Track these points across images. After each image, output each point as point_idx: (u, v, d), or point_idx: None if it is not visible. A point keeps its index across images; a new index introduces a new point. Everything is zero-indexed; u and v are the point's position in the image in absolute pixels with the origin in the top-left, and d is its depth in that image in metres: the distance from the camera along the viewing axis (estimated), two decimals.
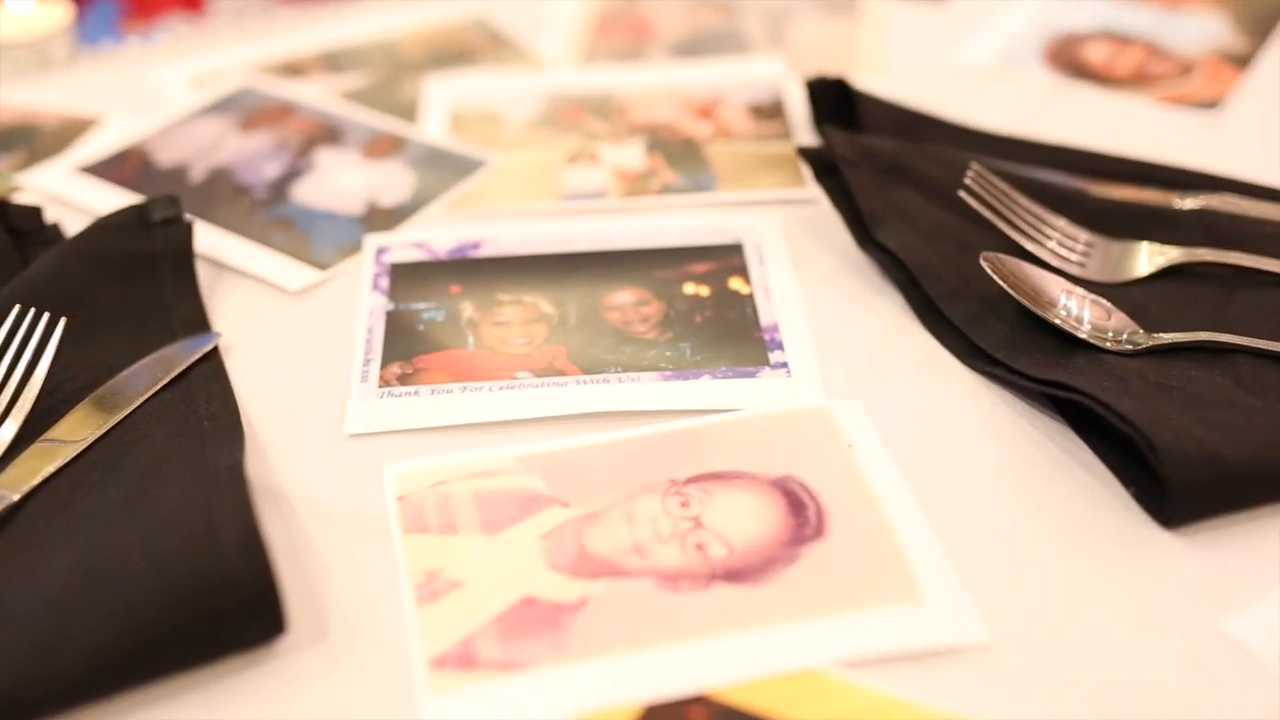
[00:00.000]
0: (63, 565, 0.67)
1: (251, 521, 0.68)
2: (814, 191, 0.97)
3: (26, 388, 0.79)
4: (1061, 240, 0.87)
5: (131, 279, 0.88)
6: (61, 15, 1.17)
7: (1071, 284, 0.82)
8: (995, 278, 0.82)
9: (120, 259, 0.88)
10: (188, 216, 0.92)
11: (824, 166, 0.94)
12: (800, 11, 1.19)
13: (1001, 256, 0.83)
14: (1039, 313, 0.81)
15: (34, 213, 0.94)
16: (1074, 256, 0.87)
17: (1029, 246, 0.87)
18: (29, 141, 1.06)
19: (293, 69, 1.14)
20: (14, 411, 0.78)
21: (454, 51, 1.16)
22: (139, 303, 0.87)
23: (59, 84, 1.14)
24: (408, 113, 1.08)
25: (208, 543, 0.66)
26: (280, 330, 0.87)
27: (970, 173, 0.89)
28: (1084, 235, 0.88)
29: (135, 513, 0.70)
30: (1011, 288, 0.82)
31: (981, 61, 1.12)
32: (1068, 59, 1.12)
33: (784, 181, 0.98)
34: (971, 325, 0.83)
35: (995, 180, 0.89)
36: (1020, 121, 1.04)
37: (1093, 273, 0.86)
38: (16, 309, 0.82)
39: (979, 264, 0.83)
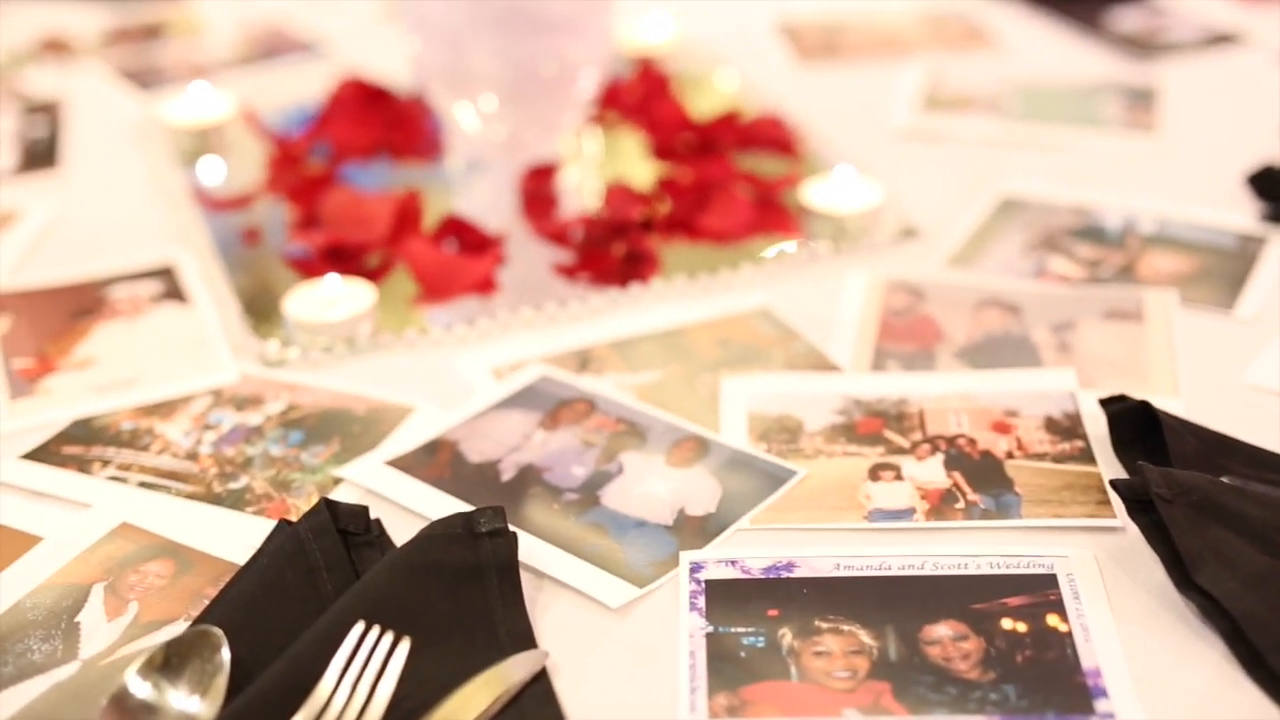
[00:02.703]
0: None
1: None
2: (1122, 519, 0.97)
3: (370, 705, 0.81)
4: None
5: (460, 591, 0.90)
6: (366, 297, 1.22)
7: None
8: None
9: (449, 571, 0.91)
10: (511, 527, 0.94)
11: (1137, 501, 0.94)
12: (1086, 317, 1.20)
13: None
14: None
15: (362, 513, 0.97)
16: None
17: None
18: (342, 430, 1.09)
19: (586, 361, 1.17)
20: None
21: (743, 344, 1.18)
22: (468, 616, 0.89)
23: (365, 368, 1.18)
24: (704, 409, 1.11)
25: None
26: (602, 649, 0.89)
27: None
28: None
29: None
30: None
31: (1271, 382, 1.12)
32: None
33: (1091, 508, 0.99)
34: None
35: None
36: None
37: None
38: (361, 625, 0.84)
39: None
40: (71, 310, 1.26)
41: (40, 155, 1.57)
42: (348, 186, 1.42)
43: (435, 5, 1.35)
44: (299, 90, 1.66)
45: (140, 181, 1.49)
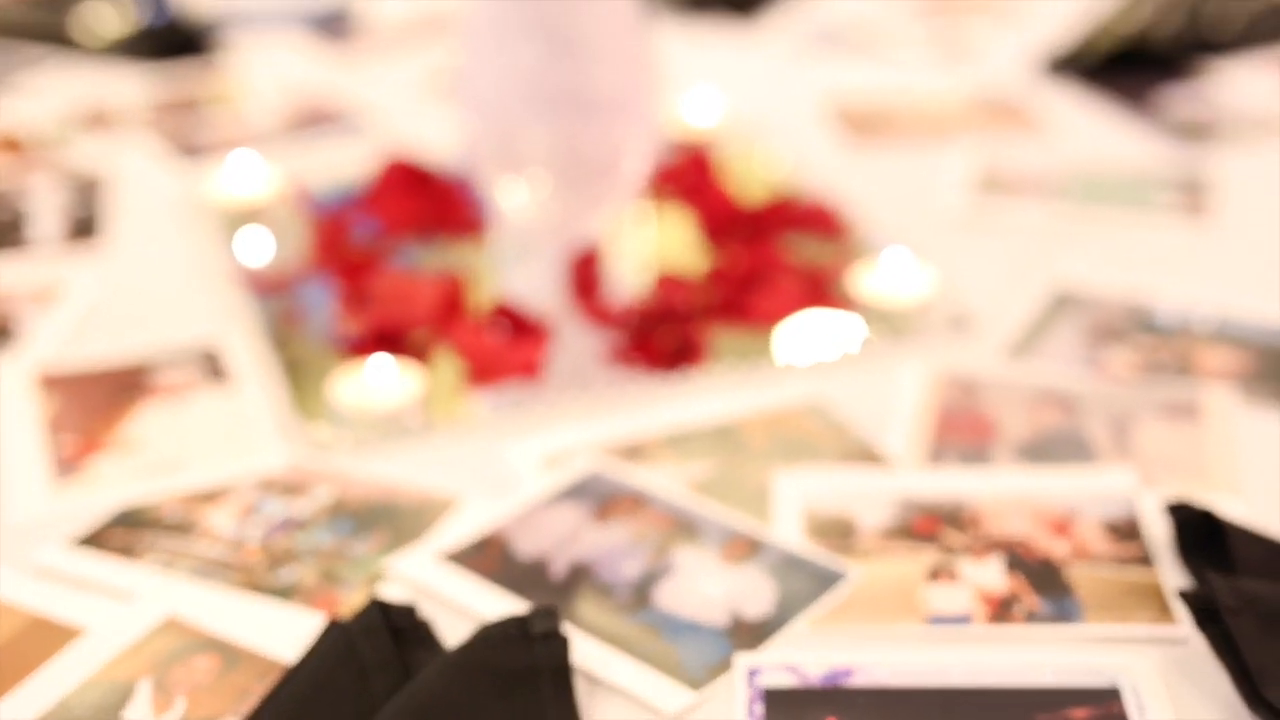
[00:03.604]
0: None
1: None
2: (1185, 629, 0.95)
3: None
4: None
5: (513, 695, 0.89)
6: (414, 382, 1.21)
7: None
8: None
9: (503, 674, 0.89)
10: (564, 627, 0.93)
11: (1205, 612, 0.92)
12: (1142, 415, 1.18)
13: None
14: None
15: (409, 612, 0.96)
16: None
17: None
18: (391, 521, 1.08)
19: (636, 452, 1.15)
20: None
21: (795, 437, 1.17)
22: None
23: (413, 454, 1.17)
24: (756, 504, 1.09)
25: None
26: None
27: None
28: None
29: None
30: None
31: None
32: None
33: (1153, 615, 0.97)
34: None
35: None
36: None
37: None
38: None
39: None
40: (116, 390, 1.26)
41: (84, 229, 1.56)
42: (394, 268, 1.41)
43: (487, 88, 1.35)
44: (343, 163, 1.65)
45: (184, 257, 1.49)
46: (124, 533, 1.08)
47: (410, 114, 1.83)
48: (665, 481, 1.12)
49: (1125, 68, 1.86)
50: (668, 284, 1.35)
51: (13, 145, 1.76)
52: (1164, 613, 0.97)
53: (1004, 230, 1.51)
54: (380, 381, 1.21)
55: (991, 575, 1.01)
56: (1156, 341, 1.30)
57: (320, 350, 1.31)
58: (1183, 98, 1.80)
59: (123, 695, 0.92)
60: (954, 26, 2.07)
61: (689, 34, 2.04)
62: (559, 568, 1.03)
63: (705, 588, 1.01)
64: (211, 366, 1.29)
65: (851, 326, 1.31)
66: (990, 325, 1.32)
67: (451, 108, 1.45)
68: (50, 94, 1.91)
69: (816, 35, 2.07)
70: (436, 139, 1.66)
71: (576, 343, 1.31)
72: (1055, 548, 1.04)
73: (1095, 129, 1.75)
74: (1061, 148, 1.70)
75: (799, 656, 0.94)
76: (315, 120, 1.83)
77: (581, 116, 1.36)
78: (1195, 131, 1.71)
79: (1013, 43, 2.00)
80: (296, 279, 1.42)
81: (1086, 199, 1.56)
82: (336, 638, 0.92)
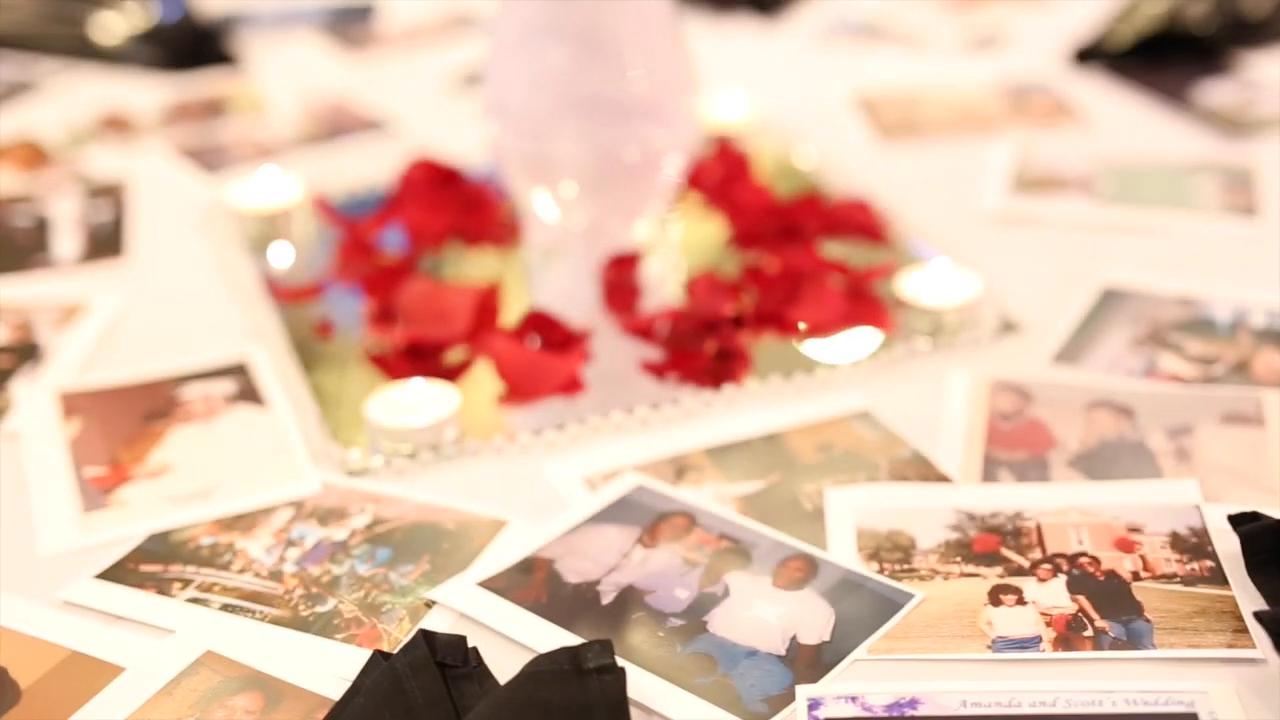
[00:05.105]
0: None
1: None
2: (1263, 649, 0.91)
3: None
4: None
5: None
6: (450, 400, 1.17)
7: None
8: None
9: (557, 711, 0.86)
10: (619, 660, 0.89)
11: None
12: (1203, 421, 1.14)
13: None
14: None
15: (460, 643, 0.93)
16: None
17: None
18: (432, 546, 1.05)
19: (682, 469, 1.12)
20: None
21: (845, 450, 1.14)
22: None
23: (451, 476, 1.14)
24: (809, 523, 1.06)
25: None
26: None
27: None
28: None
29: None
30: None
31: None
32: None
33: (1229, 637, 0.94)
34: None
35: None
36: None
37: None
38: None
39: None
40: (143, 412, 1.22)
41: (105, 242, 1.52)
42: (425, 277, 1.37)
43: (517, 92, 1.31)
44: (366, 170, 1.62)
45: (208, 269, 1.45)
46: (156, 564, 1.05)
47: (433, 116, 1.80)
48: (713, 500, 1.09)
49: (1158, 58, 1.81)
50: (705, 291, 1.31)
51: (31, 157, 1.72)
52: (1239, 633, 0.94)
53: (1044, 229, 1.47)
54: (416, 401, 1.17)
55: (1056, 596, 0.98)
56: (1211, 344, 1.26)
57: (352, 368, 1.27)
58: (1219, 88, 1.75)
59: None
60: (981, 17, 2.03)
61: (712, 31, 2.00)
62: (608, 594, 1.00)
63: (761, 613, 0.98)
64: (241, 385, 1.25)
65: (895, 333, 1.27)
66: (1039, 329, 1.29)
67: (475, 108, 1.41)
68: (67, 104, 1.88)
69: (840, 29, 2.03)
70: (461, 141, 1.62)
71: (614, 355, 1.27)
72: (1120, 565, 1.00)
73: (1132, 121, 1.71)
74: (1099, 141, 1.66)
75: (861, 686, 0.91)
76: (336, 124, 1.80)
77: (615, 121, 1.32)
78: (1234, 122, 1.67)
79: (1042, 33, 1.96)
80: (324, 290, 1.39)
81: (1127, 195, 1.52)
82: (382, 675, 0.89)
